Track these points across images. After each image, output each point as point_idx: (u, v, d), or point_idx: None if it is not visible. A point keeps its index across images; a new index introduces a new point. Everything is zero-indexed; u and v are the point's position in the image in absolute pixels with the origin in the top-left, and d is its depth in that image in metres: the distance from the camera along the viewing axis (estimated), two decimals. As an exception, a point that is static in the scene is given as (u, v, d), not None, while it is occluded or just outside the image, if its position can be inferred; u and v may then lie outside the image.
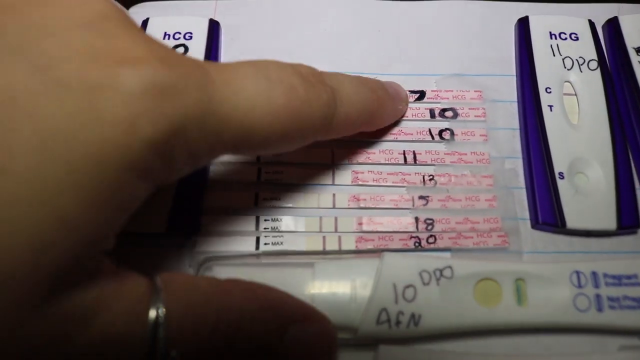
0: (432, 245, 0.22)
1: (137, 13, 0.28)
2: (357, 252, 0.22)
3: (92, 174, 0.12)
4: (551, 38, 0.26)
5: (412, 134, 0.24)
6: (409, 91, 0.25)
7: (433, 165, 0.24)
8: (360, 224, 0.22)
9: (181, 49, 0.26)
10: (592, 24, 0.27)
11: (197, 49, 0.26)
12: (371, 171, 0.24)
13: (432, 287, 0.20)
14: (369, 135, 0.24)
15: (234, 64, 0.17)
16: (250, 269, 0.21)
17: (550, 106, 0.24)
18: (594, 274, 0.20)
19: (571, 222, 0.22)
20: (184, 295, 0.16)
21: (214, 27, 0.27)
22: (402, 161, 0.24)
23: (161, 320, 0.15)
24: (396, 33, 0.27)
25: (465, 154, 0.24)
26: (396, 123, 0.25)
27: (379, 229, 0.22)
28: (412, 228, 0.22)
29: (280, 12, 0.28)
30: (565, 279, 0.20)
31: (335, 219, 0.22)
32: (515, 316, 0.20)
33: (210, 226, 0.22)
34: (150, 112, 0.13)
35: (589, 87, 0.25)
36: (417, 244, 0.22)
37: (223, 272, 0.20)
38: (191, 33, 0.27)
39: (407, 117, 0.25)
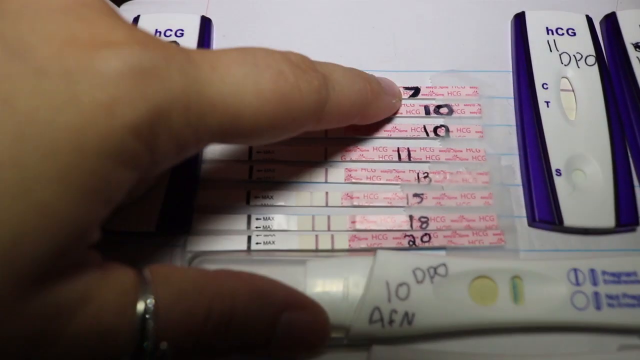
0: (426, 244, 0.22)
1: (128, 10, 0.28)
2: (350, 251, 0.21)
3: (71, 160, 0.12)
4: (548, 33, 0.26)
5: (406, 131, 0.24)
6: (404, 87, 0.25)
7: (428, 162, 0.23)
8: (354, 222, 0.22)
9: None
10: (589, 19, 0.26)
11: (189, 46, 0.26)
12: (365, 169, 0.23)
13: (426, 285, 0.19)
14: (362, 132, 0.24)
15: (220, 50, 0.16)
16: (241, 266, 0.20)
17: (547, 102, 0.24)
18: (592, 271, 0.20)
19: (568, 219, 0.21)
20: (174, 286, 0.15)
21: (205, 24, 0.27)
22: (396, 158, 0.23)
23: (150, 312, 0.14)
24: (391, 29, 0.27)
25: (461, 151, 0.23)
26: (390, 119, 0.24)
27: (373, 228, 0.22)
28: (406, 226, 0.22)
29: (272, 9, 0.28)
30: (562, 277, 0.20)
31: (328, 217, 0.22)
32: (511, 315, 0.19)
33: (201, 225, 0.22)
34: (130, 96, 0.13)
35: (587, 83, 0.25)
36: (411, 243, 0.22)
37: (213, 268, 0.20)
38: (182, 30, 0.26)
39: (402, 113, 0.24)
